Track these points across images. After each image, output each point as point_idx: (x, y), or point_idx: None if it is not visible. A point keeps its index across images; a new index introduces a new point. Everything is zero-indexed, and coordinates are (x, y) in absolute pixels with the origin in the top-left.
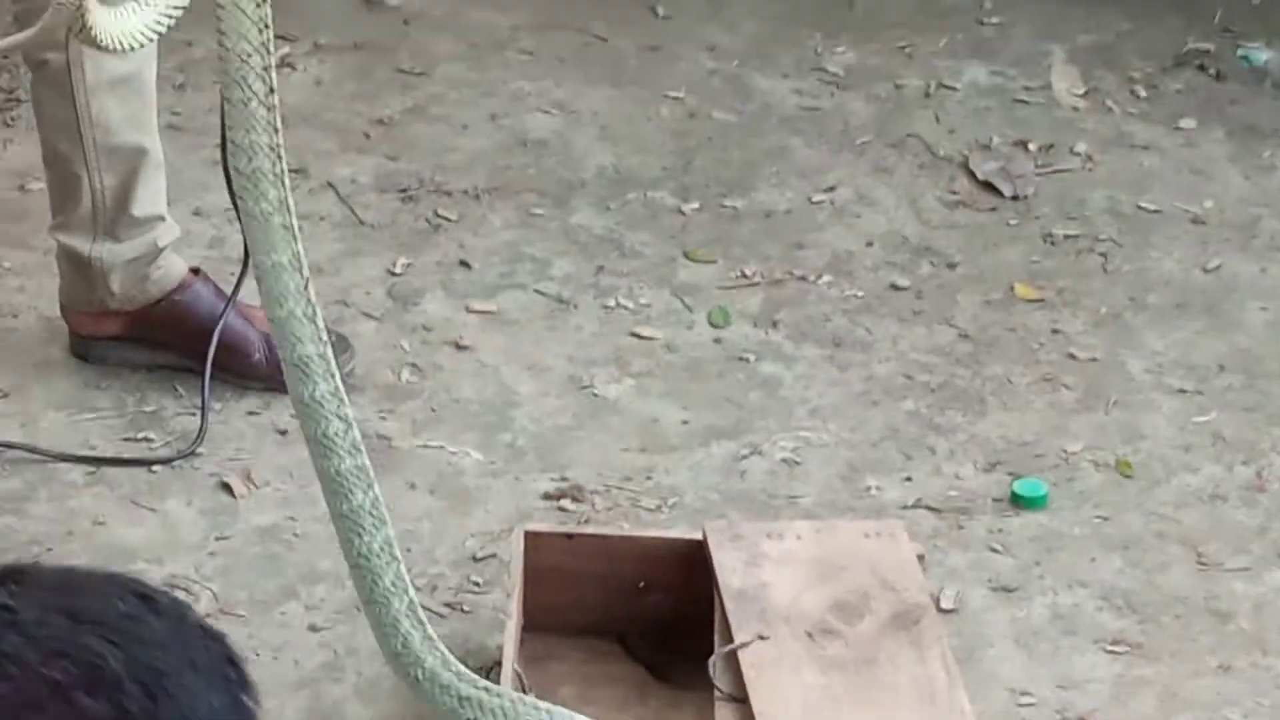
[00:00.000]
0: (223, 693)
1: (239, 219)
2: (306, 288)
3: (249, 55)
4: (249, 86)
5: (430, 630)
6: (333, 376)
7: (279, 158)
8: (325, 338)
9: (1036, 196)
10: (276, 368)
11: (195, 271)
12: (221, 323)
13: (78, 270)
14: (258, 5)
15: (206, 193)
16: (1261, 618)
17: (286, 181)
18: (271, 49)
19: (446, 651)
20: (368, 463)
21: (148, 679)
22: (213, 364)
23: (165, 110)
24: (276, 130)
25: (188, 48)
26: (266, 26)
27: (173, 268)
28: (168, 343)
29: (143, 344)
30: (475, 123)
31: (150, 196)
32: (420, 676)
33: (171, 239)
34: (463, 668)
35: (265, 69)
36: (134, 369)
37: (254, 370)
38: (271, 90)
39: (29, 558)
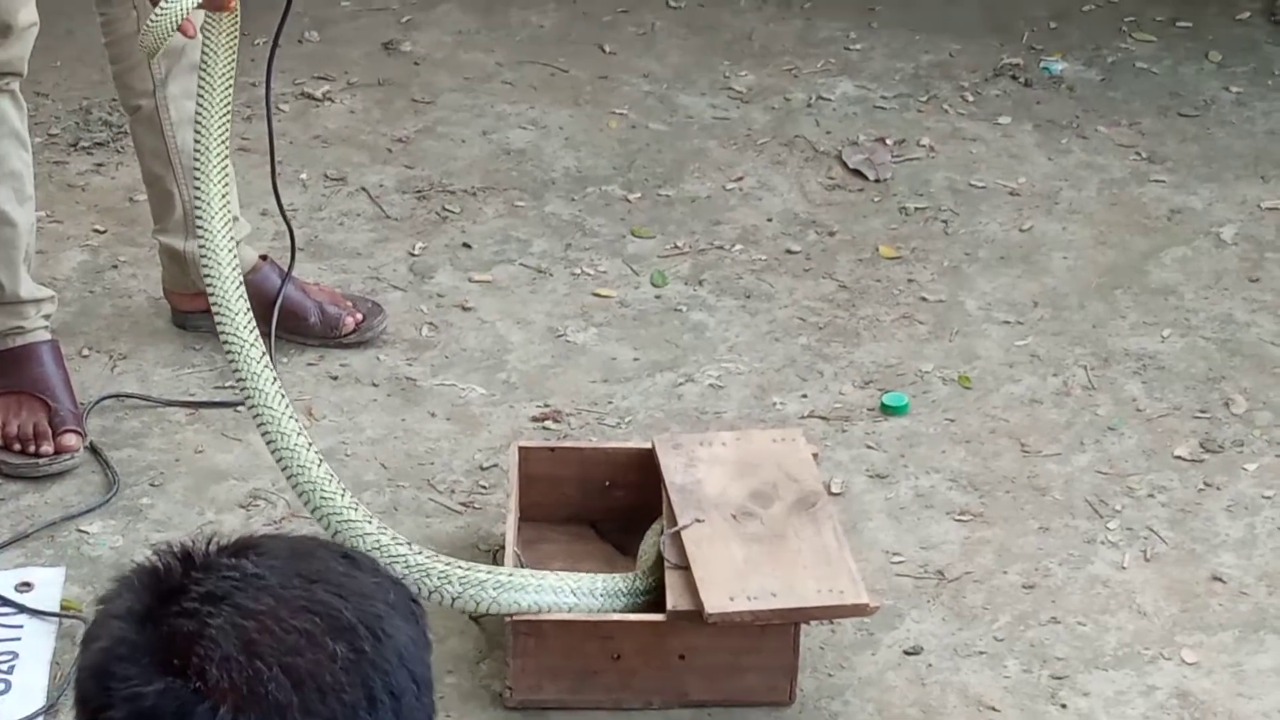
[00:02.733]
0: (414, 625)
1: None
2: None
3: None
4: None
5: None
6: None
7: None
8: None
9: (893, 179)
10: (329, 329)
11: (264, 258)
12: (280, 296)
13: (175, 261)
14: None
15: (269, 198)
16: (1070, 490)
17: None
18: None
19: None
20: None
21: (372, 624)
22: (278, 327)
23: (237, 136)
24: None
25: (253, 87)
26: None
27: (246, 255)
28: None
29: None
30: (471, 138)
31: None
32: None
33: (244, 234)
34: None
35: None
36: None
37: (310, 330)
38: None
39: (149, 480)
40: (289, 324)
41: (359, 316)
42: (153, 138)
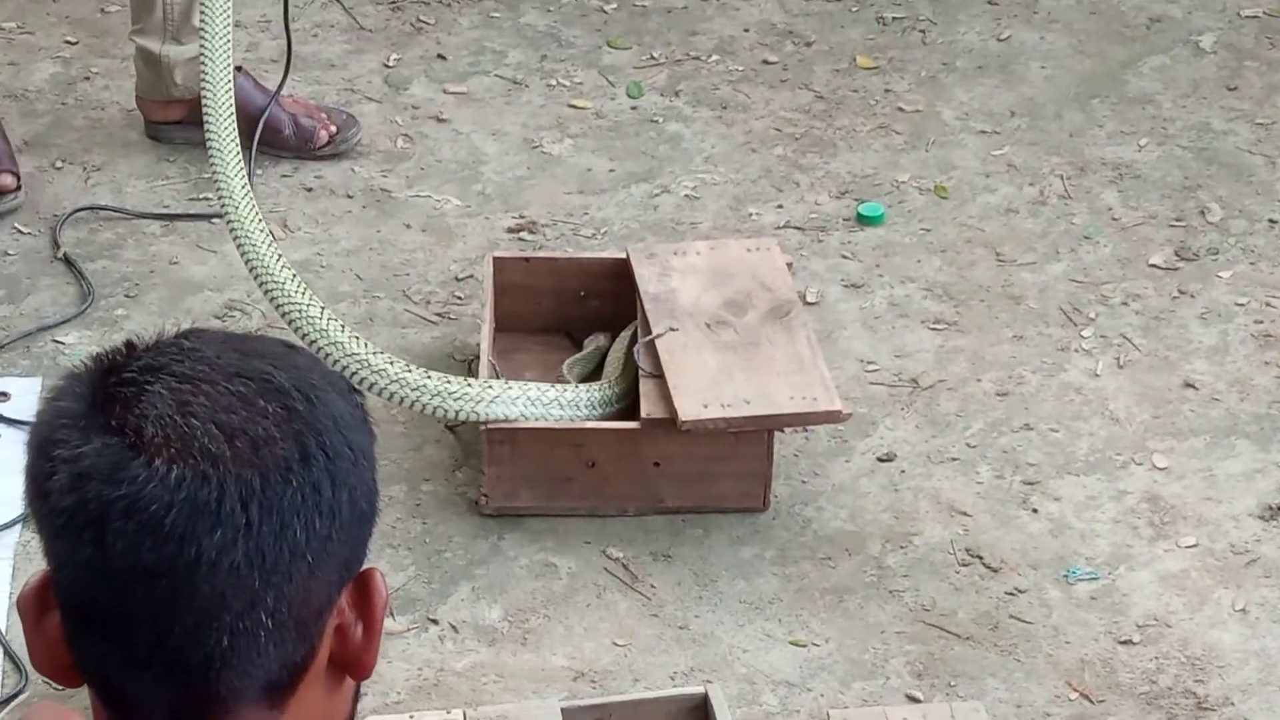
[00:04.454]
0: (353, 406)
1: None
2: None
3: None
4: None
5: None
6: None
7: None
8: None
9: None
10: (304, 141)
11: (239, 69)
12: (266, 113)
13: (150, 66)
14: None
15: (245, 8)
16: (1044, 299)
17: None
18: None
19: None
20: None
21: (306, 389)
22: (248, 137)
23: None
24: None
25: None
26: None
27: None
28: None
29: (200, 126)
30: None
31: None
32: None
33: None
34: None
35: None
36: (194, 146)
37: (285, 143)
38: None
39: (124, 291)
40: (263, 137)
41: (333, 129)
42: None
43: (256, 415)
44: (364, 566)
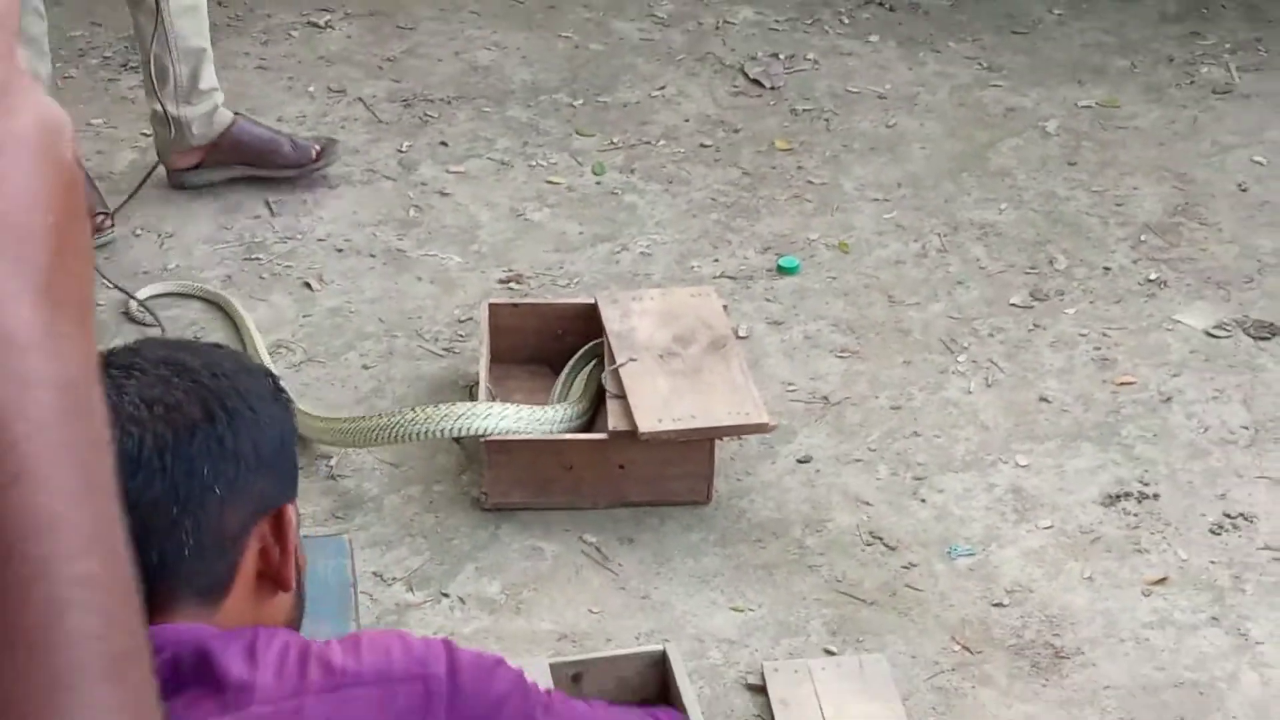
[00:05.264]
0: (266, 384)
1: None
2: None
3: None
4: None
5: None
6: None
7: None
8: None
9: (785, 87)
10: (303, 155)
11: (238, 114)
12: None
13: (168, 126)
14: None
15: (281, 110)
16: (927, 332)
17: None
18: None
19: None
20: None
21: (214, 369)
22: (260, 165)
23: (254, 55)
24: None
25: (268, 17)
26: None
27: (225, 115)
28: (231, 161)
29: (216, 167)
30: (446, 57)
31: (209, 76)
32: None
33: (221, 100)
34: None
35: None
36: (215, 188)
37: (287, 159)
38: None
39: (193, 334)
40: (268, 159)
41: (318, 148)
42: (151, 24)
43: (171, 389)
44: (286, 503)
